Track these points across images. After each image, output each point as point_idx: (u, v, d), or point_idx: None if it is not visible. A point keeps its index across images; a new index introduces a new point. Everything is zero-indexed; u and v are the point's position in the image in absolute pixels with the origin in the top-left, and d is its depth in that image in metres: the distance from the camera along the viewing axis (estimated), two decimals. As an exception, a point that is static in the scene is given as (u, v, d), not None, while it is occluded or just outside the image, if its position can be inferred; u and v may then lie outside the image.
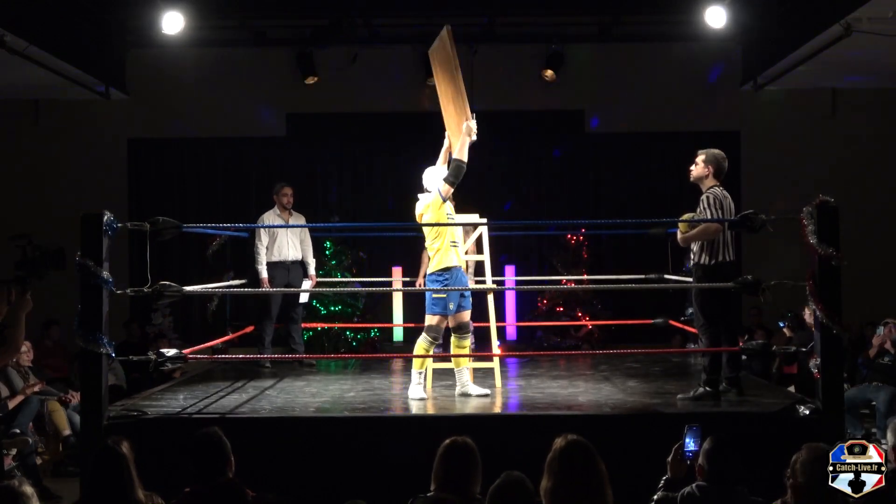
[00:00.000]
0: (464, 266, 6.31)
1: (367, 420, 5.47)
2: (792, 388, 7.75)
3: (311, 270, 8.15)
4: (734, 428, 5.02)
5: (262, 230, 7.89)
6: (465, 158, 5.99)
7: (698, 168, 5.96)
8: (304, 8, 10.68)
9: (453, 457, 3.49)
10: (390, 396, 6.30)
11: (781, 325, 8.97)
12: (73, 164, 11.19)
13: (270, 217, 7.97)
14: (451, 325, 6.12)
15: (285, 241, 7.95)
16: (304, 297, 8.28)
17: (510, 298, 10.78)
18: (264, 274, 7.87)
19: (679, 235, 6.04)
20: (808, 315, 7.92)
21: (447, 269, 6.01)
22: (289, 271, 7.97)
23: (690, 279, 6.41)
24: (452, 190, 6.04)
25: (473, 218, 6.99)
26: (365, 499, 3.45)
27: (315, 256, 8.36)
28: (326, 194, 11.45)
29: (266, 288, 7.83)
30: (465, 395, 6.10)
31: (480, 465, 3.49)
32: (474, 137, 6.02)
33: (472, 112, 6.03)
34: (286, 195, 8.00)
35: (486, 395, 6.09)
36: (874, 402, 7.77)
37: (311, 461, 5.17)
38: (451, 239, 6.06)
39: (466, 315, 6.14)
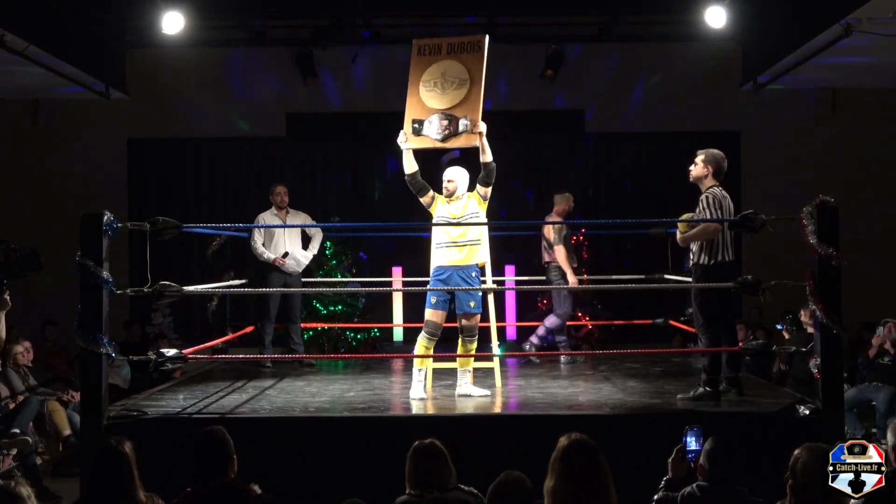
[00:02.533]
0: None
1: (367, 420, 5.48)
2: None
3: (309, 249, 8.09)
4: (734, 428, 5.01)
5: (255, 231, 7.88)
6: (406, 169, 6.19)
7: (698, 168, 5.96)
8: (304, 8, 10.67)
9: (420, 457, 3.63)
10: (390, 396, 6.30)
11: (779, 326, 8.96)
12: (73, 164, 11.19)
13: (267, 217, 7.96)
14: (459, 326, 6.17)
15: (282, 241, 7.92)
16: (298, 261, 8.03)
17: (510, 298, 10.78)
18: (271, 255, 7.84)
19: (678, 235, 6.03)
20: (804, 316, 7.91)
21: (436, 268, 6.14)
22: (285, 272, 7.95)
23: (690, 279, 6.41)
24: (424, 196, 6.18)
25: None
26: (365, 499, 3.45)
27: (315, 256, 8.32)
28: (326, 194, 11.44)
29: (280, 264, 7.82)
30: (465, 395, 6.10)
31: (449, 460, 3.64)
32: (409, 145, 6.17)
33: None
34: (279, 194, 7.98)
35: (486, 396, 6.10)
36: (874, 402, 7.76)
37: (311, 461, 5.17)
38: (436, 241, 6.14)
39: (472, 319, 6.09)
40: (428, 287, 6.17)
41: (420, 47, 6.32)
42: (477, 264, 6.15)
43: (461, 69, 6.19)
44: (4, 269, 4.04)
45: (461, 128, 6.04)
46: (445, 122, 6.04)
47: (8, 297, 4.06)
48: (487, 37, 6.23)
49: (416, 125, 6.11)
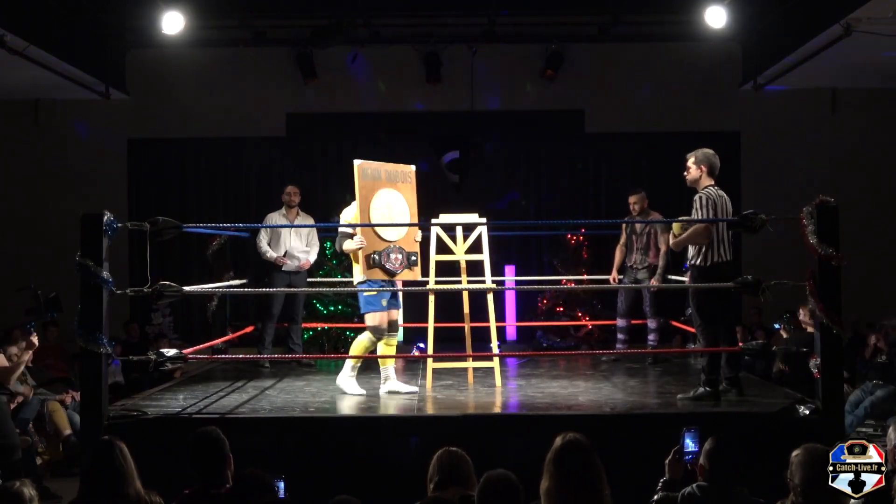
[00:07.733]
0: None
1: (367, 420, 5.48)
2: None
3: (310, 257, 8.10)
4: (734, 428, 5.01)
5: (262, 230, 7.89)
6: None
7: (692, 171, 5.93)
8: (304, 8, 10.68)
9: (447, 459, 3.54)
10: (390, 396, 6.29)
11: (777, 326, 8.94)
12: (73, 164, 11.19)
13: (275, 217, 7.98)
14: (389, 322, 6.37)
15: (287, 241, 7.93)
16: (298, 258, 8.06)
17: (510, 298, 10.79)
18: (273, 253, 7.86)
19: (671, 239, 6.03)
20: (802, 315, 7.90)
21: None
22: (290, 272, 7.95)
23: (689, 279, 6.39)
24: None
25: (473, 218, 6.99)
26: (365, 499, 3.45)
27: (315, 257, 8.31)
28: (327, 194, 11.43)
29: (281, 263, 7.85)
30: (394, 392, 6.24)
31: (472, 469, 3.53)
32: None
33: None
34: (289, 193, 8.01)
35: (413, 392, 6.23)
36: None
37: (311, 461, 5.16)
38: None
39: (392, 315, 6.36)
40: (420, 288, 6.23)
41: (363, 170, 6.42)
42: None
43: (402, 202, 6.53)
44: (34, 312, 4.23)
45: (410, 262, 6.39)
46: (399, 257, 6.33)
47: (35, 339, 4.22)
48: (414, 168, 6.59)
49: (376, 256, 6.25)
